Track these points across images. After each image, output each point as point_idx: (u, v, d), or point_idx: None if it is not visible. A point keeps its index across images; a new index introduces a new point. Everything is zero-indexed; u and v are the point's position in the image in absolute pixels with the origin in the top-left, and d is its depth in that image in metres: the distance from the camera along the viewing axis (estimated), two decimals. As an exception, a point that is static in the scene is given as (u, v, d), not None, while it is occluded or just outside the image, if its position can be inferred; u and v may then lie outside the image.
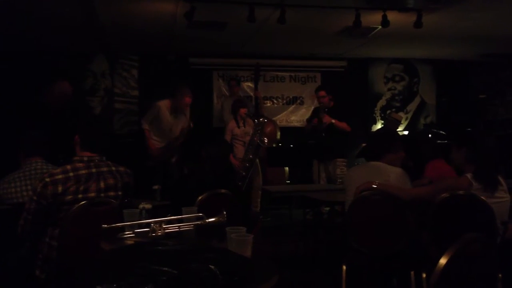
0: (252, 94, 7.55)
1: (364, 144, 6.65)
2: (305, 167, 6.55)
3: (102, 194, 2.64)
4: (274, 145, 7.17)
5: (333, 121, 5.88)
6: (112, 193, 2.68)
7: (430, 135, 7.43)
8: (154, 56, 7.58)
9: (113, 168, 2.73)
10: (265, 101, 7.78)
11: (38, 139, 3.24)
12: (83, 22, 5.79)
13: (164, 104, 5.60)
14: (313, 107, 6.99)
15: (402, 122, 7.91)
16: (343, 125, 5.91)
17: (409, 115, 8.61)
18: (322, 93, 6.05)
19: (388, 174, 3.03)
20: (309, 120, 6.39)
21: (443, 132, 7.41)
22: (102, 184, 2.65)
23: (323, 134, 5.98)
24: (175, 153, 5.66)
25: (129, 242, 2.17)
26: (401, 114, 8.26)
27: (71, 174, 2.58)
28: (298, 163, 6.60)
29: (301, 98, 8.19)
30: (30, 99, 6.97)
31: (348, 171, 3.57)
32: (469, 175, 2.72)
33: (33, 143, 3.21)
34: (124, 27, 6.07)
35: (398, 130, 8.03)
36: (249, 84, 7.80)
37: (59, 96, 5.04)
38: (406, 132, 8.30)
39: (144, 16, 5.55)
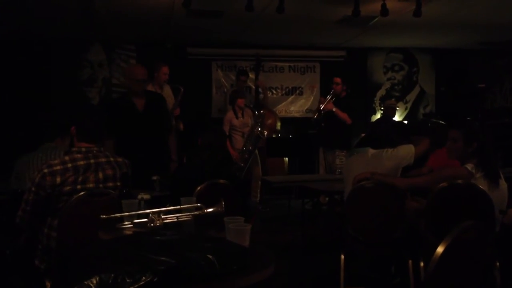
0: (251, 84, 7.52)
1: (363, 134, 6.65)
2: (304, 157, 6.55)
3: (101, 185, 2.64)
4: (274, 136, 7.17)
5: (334, 109, 5.87)
6: (111, 184, 2.68)
7: (429, 125, 7.41)
8: (151, 45, 7.53)
9: (112, 159, 2.73)
10: (265, 91, 7.77)
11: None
12: (79, 10, 5.74)
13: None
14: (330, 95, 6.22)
15: (398, 107, 7.89)
16: (344, 115, 5.92)
17: (409, 105, 8.59)
18: (338, 79, 6.04)
19: (385, 162, 3.04)
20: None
21: (443, 122, 7.40)
22: (100, 175, 2.65)
23: (322, 124, 5.97)
24: (179, 120, 5.76)
25: (128, 232, 2.18)
26: (399, 103, 8.24)
27: (69, 165, 2.58)
28: (298, 154, 6.59)
29: (300, 88, 8.16)
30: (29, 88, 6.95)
31: (347, 161, 3.58)
32: (469, 166, 2.72)
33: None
34: (121, 15, 6.02)
35: (398, 119, 8.04)
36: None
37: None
38: (405, 122, 8.28)
39: (141, 4, 5.51)
